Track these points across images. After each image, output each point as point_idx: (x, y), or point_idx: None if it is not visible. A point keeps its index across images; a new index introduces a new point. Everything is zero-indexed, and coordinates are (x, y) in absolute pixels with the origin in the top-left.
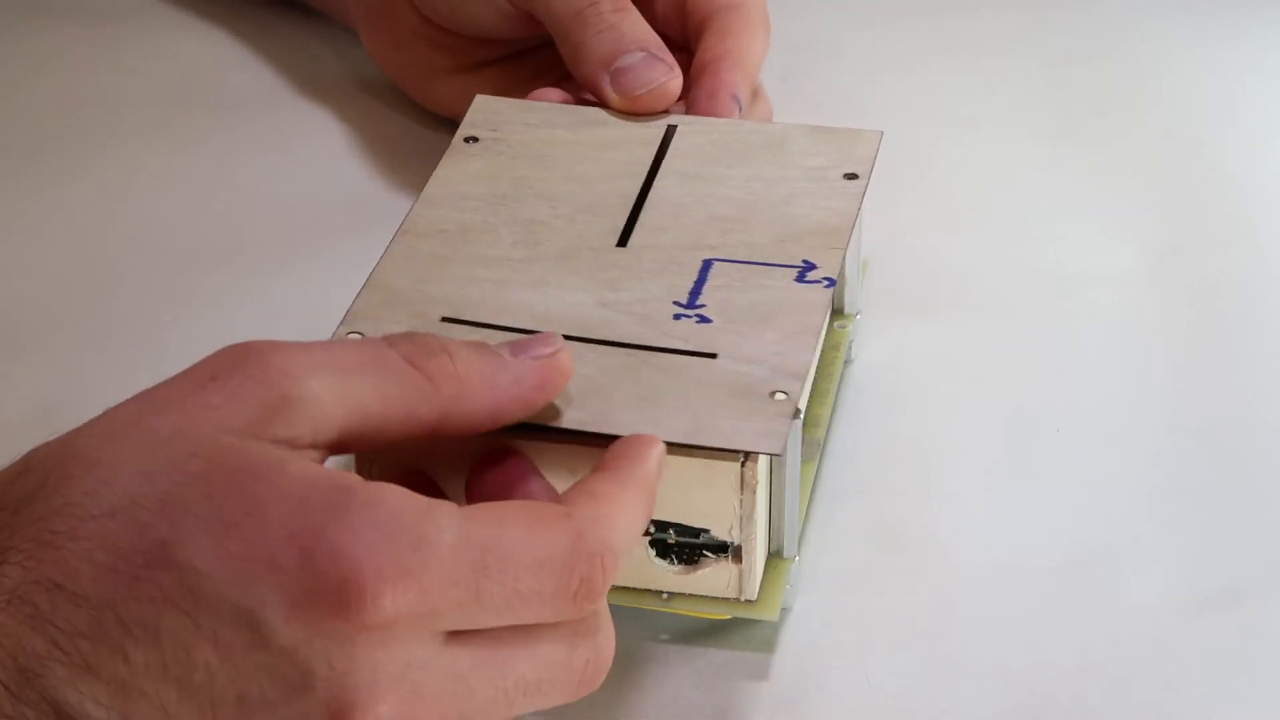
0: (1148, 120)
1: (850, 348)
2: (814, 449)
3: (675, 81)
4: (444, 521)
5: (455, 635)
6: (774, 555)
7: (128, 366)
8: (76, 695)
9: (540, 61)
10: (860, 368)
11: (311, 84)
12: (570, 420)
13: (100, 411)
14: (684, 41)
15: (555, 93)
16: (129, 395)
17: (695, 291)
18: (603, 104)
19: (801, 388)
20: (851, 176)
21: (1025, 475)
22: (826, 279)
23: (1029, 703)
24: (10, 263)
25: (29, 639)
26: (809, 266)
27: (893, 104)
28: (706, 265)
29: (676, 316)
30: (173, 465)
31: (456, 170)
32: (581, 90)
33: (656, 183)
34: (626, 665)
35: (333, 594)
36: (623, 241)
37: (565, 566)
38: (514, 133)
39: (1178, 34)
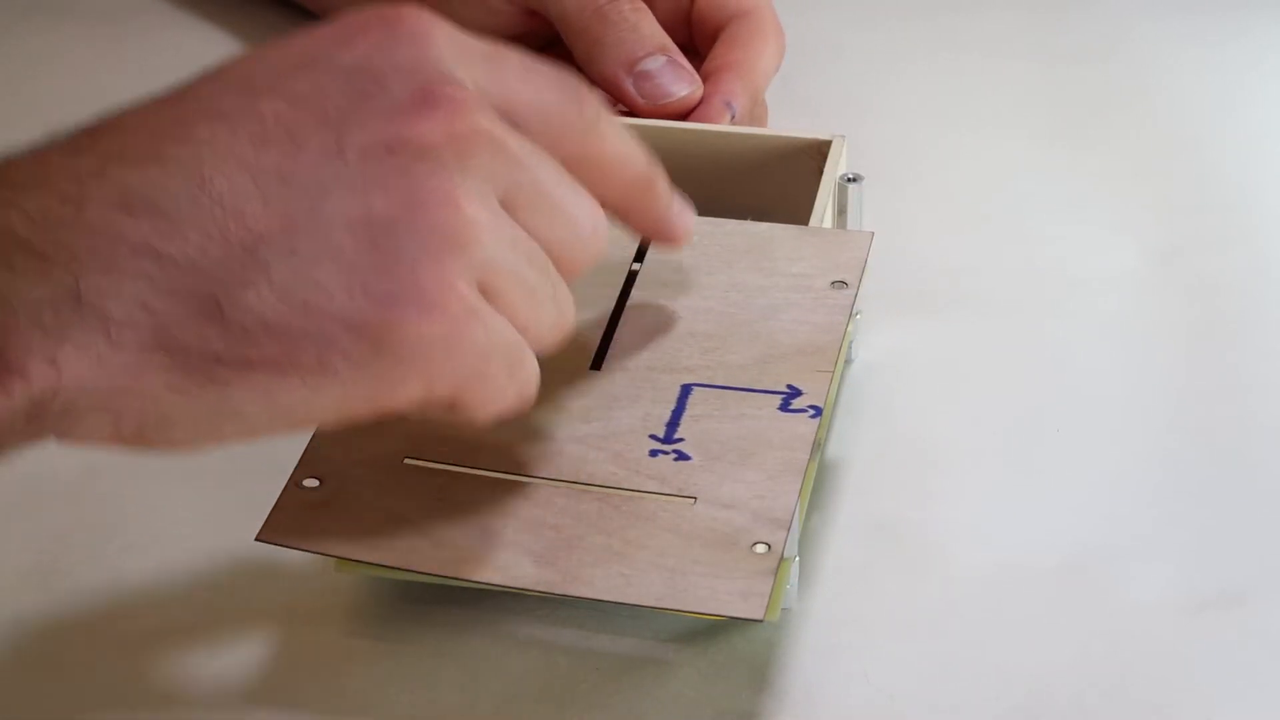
0: (1148, 120)
1: (850, 348)
2: (814, 449)
3: (697, 93)
4: None
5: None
6: None
7: None
8: None
9: None
10: (860, 368)
11: None
12: (539, 581)
13: None
14: (687, 45)
15: None
16: None
17: (673, 423)
18: (621, 102)
19: (786, 536)
20: (840, 284)
21: (1025, 475)
22: (812, 407)
23: (1029, 703)
24: None
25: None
26: (793, 393)
27: (892, 104)
28: (685, 391)
29: (653, 453)
30: None
31: None
32: None
33: (633, 293)
34: (627, 665)
35: (373, 16)
36: (596, 363)
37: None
38: None
39: (1178, 34)
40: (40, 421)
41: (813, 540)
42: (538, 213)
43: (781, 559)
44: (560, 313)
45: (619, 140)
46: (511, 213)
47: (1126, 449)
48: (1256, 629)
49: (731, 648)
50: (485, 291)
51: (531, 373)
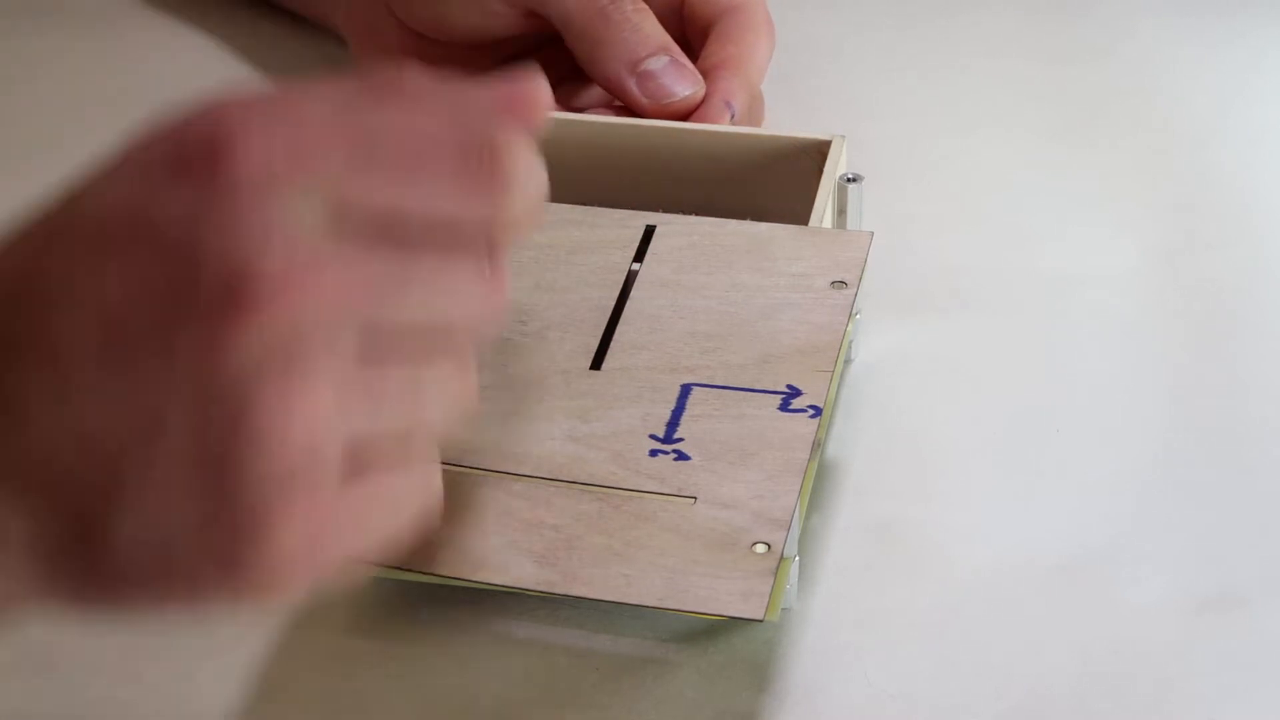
0: (1147, 120)
1: (850, 348)
2: (814, 449)
3: (700, 93)
4: (332, 90)
5: (349, 210)
6: None
7: None
8: None
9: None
10: (860, 368)
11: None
12: (539, 581)
13: None
14: (679, 39)
15: None
16: None
17: (673, 423)
18: (624, 102)
19: (785, 536)
20: (839, 284)
21: (1025, 475)
22: (812, 407)
23: (1029, 703)
24: None
25: None
26: (793, 393)
27: (893, 105)
28: (685, 391)
29: (653, 453)
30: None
31: None
32: (566, 95)
33: (633, 293)
34: (627, 665)
35: (201, 150)
36: (596, 363)
37: (470, 122)
38: None
39: (1178, 34)
40: None
41: (813, 540)
42: (411, 344)
43: (781, 559)
44: (447, 422)
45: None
46: (378, 358)
47: (1126, 449)
48: (1256, 629)
49: (731, 648)
50: (355, 461)
51: (424, 493)
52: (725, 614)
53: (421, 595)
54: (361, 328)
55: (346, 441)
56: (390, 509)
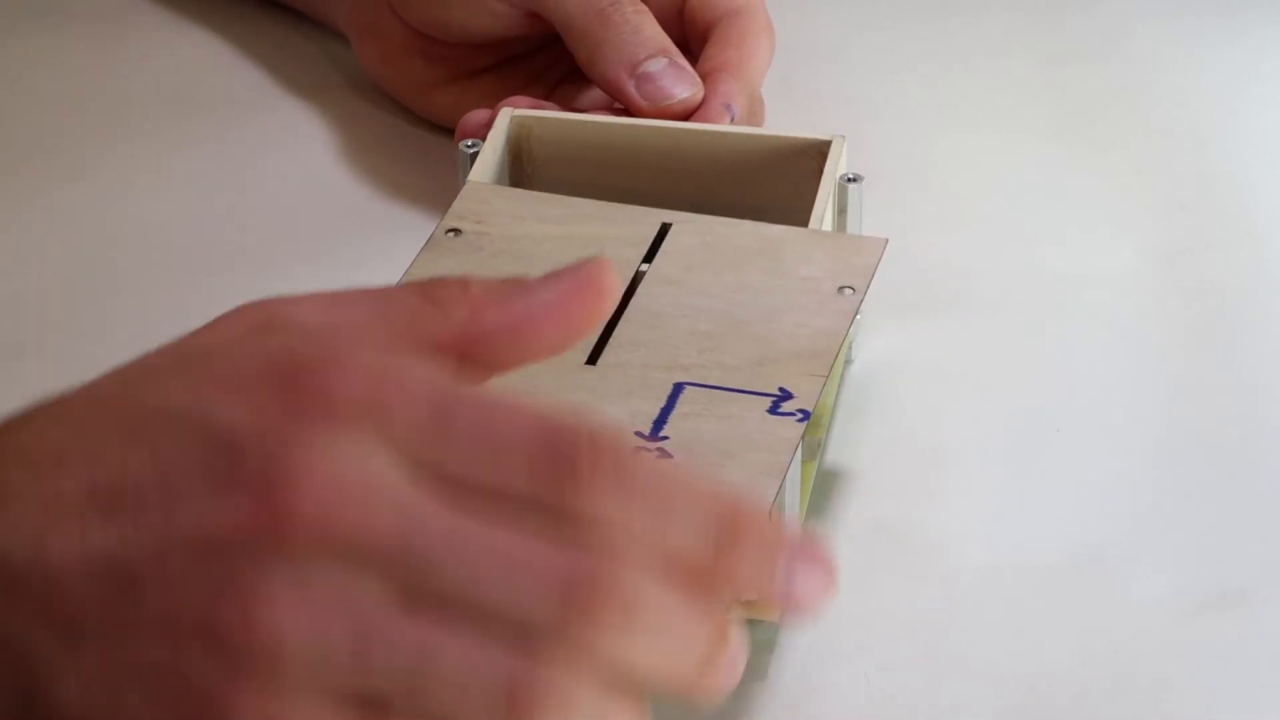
0: (1148, 120)
1: (850, 348)
2: (814, 449)
3: (699, 95)
4: (423, 360)
5: (423, 475)
6: None
7: None
8: None
9: (534, 67)
10: (860, 368)
11: (309, 87)
12: None
13: None
14: (679, 42)
15: (524, 100)
16: None
17: (660, 420)
18: (623, 103)
19: None
20: (846, 290)
21: (1025, 475)
22: (801, 411)
23: (1029, 703)
24: (8, 262)
25: None
26: (784, 396)
27: (893, 105)
28: (677, 389)
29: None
30: (144, 358)
31: (431, 268)
32: (566, 96)
33: (639, 289)
34: None
35: (280, 375)
36: (593, 358)
37: (555, 430)
38: (499, 226)
39: (1178, 34)
40: None
41: None
42: (450, 616)
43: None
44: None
45: (488, 284)
46: (410, 613)
47: (1126, 449)
48: (1256, 629)
49: None
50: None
51: None
52: None
53: None
54: (400, 580)
55: (349, 685)
56: None
